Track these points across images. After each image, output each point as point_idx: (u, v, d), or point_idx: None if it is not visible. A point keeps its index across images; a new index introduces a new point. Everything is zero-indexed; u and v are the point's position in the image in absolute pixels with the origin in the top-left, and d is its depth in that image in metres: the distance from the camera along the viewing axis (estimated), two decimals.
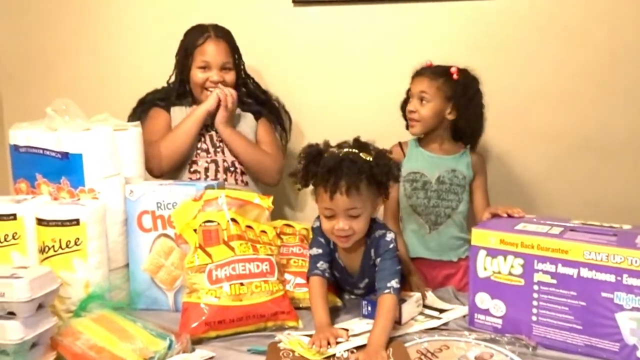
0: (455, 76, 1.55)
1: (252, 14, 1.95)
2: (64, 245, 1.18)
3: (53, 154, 1.30)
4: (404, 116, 1.63)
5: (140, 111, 1.74)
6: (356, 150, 1.22)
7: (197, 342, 1.14)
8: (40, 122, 1.37)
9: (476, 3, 1.86)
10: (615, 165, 1.87)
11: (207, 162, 1.68)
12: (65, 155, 1.29)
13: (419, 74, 1.59)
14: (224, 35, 1.73)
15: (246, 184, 1.72)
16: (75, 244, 1.19)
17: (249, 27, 1.81)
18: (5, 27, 2.09)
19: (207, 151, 1.69)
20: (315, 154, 1.23)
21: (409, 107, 1.57)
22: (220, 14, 1.82)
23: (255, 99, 1.85)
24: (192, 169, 1.68)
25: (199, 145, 1.69)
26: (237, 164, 1.72)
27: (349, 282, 1.37)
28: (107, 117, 1.42)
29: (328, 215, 1.22)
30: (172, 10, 1.99)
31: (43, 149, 1.31)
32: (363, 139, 1.26)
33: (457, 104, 1.54)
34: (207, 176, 1.67)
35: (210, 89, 1.69)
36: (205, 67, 1.68)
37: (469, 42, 1.86)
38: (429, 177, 1.58)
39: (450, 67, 1.56)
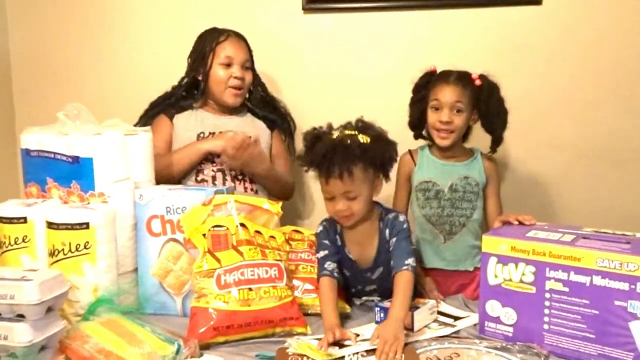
0: (478, 82, 1.52)
1: (262, 20, 1.97)
2: (73, 249, 1.19)
3: (64, 158, 1.31)
4: (418, 126, 1.60)
5: (148, 117, 1.74)
6: (355, 132, 1.25)
7: (205, 347, 1.13)
8: (52, 127, 1.37)
9: (490, 11, 1.86)
10: (627, 173, 1.85)
11: (213, 170, 1.64)
12: (76, 159, 1.30)
13: (443, 81, 1.52)
14: (242, 37, 1.75)
15: (256, 192, 1.70)
16: (85, 247, 1.19)
17: (258, 34, 1.82)
18: (18, 33, 2.11)
19: (212, 161, 1.65)
20: (313, 139, 1.28)
21: (442, 117, 1.50)
22: (230, 20, 1.83)
23: (270, 105, 1.84)
24: (198, 178, 1.64)
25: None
26: (247, 171, 1.70)
27: (360, 278, 1.36)
28: (118, 122, 1.42)
29: (328, 198, 1.27)
30: (183, 17, 2.01)
31: (54, 153, 1.32)
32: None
33: (481, 110, 1.52)
34: (214, 184, 1.64)
35: (233, 86, 1.68)
36: (228, 64, 1.68)
37: (482, 50, 1.86)
38: (441, 185, 1.55)
39: (466, 72, 1.53)
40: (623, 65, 1.81)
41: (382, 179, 1.32)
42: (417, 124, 1.61)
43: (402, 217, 1.33)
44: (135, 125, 1.67)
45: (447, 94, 1.50)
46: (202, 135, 1.67)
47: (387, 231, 1.32)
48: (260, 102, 1.82)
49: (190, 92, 1.75)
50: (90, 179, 1.30)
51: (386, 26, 1.93)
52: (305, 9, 1.95)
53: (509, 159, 1.89)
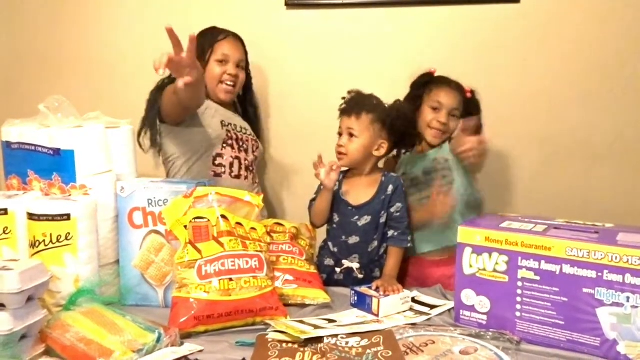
0: (469, 95, 1.61)
1: (245, 16, 1.98)
2: (54, 240, 1.19)
3: (45, 151, 1.31)
4: (412, 124, 1.62)
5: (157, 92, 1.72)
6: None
7: (186, 336, 1.15)
8: (33, 119, 1.38)
9: (469, 8, 1.90)
10: (602, 168, 1.90)
11: (232, 157, 1.73)
12: (57, 151, 1.30)
13: (446, 85, 1.62)
14: (240, 39, 1.82)
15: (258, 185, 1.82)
16: (66, 238, 1.20)
17: (241, 30, 1.83)
18: None
19: (232, 147, 1.74)
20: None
21: (440, 118, 1.59)
22: (213, 16, 1.85)
23: (250, 111, 1.92)
24: (216, 162, 1.71)
25: (225, 140, 1.73)
26: (254, 165, 1.81)
27: (347, 225, 1.50)
28: (99, 115, 1.43)
29: (339, 133, 1.52)
30: (166, 12, 2.01)
31: (35, 146, 1.32)
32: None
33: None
34: (231, 171, 1.72)
35: (226, 83, 1.74)
36: (223, 61, 1.74)
37: (461, 47, 1.90)
38: (415, 172, 1.63)
39: (459, 83, 1.63)
40: (599, 63, 1.86)
41: (387, 143, 1.51)
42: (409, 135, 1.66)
43: (401, 182, 1.53)
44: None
45: (449, 98, 1.60)
46: (224, 122, 1.74)
47: (390, 187, 1.50)
48: (246, 105, 1.91)
49: None
50: (71, 171, 1.31)
51: (368, 23, 1.96)
52: (288, 5, 1.97)
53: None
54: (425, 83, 1.66)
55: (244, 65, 1.82)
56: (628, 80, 1.84)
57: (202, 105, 1.65)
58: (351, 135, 1.49)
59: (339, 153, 1.51)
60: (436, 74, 1.69)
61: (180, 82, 1.30)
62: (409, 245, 1.51)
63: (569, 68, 1.88)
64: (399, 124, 1.50)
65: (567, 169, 1.93)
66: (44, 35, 2.09)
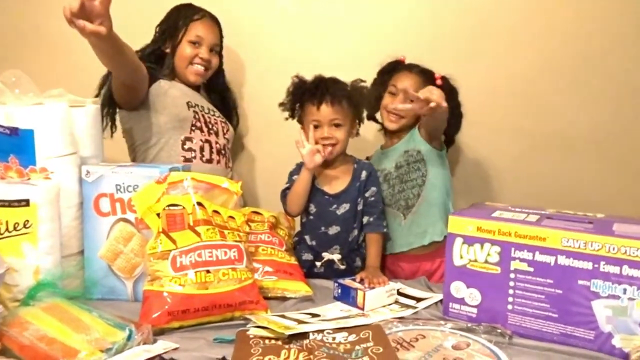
0: (439, 82, 1.55)
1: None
2: (11, 228, 1.08)
3: (1, 130, 1.19)
4: (372, 109, 1.60)
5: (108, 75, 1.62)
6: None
7: (159, 333, 1.06)
8: None
9: None
10: (580, 160, 1.89)
11: (201, 140, 1.63)
12: (15, 130, 1.18)
13: (407, 70, 1.58)
14: (216, 21, 1.71)
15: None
16: (25, 226, 1.09)
17: (217, 9, 1.73)
18: None
19: (201, 129, 1.64)
20: (300, 81, 1.47)
21: (396, 103, 1.52)
22: None
23: (221, 95, 1.82)
24: (186, 147, 1.61)
25: (193, 122, 1.62)
26: (227, 149, 1.71)
27: (326, 215, 1.45)
28: (61, 92, 1.31)
29: (315, 126, 1.42)
30: None
31: None
32: None
33: None
34: (202, 155, 1.62)
35: (197, 65, 1.64)
36: (196, 43, 1.64)
37: (440, 37, 1.85)
38: (387, 168, 1.57)
39: (430, 70, 1.58)
40: (578, 55, 1.84)
41: (358, 124, 1.49)
42: (372, 106, 1.61)
43: (374, 169, 1.51)
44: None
45: (405, 82, 1.55)
46: (190, 103, 1.63)
47: (363, 172, 1.47)
48: (215, 88, 1.80)
49: (156, 62, 1.66)
50: (30, 153, 1.20)
51: (347, 9, 1.89)
52: None
53: (464, 145, 1.89)
54: (391, 70, 1.62)
55: (218, 49, 1.72)
56: (611, 73, 1.83)
57: (142, 78, 1.52)
58: (337, 125, 1.42)
59: (329, 145, 1.42)
60: (407, 62, 1.64)
61: (89, 27, 1.16)
62: (385, 230, 1.47)
63: (547, 60, 1.84)
64: (365, 104, 1.49)
65: (545, 161, 1.90)
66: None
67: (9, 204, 1.08)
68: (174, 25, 1.65)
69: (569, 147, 1.89)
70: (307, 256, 1.47)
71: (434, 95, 1.27)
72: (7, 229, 1.08)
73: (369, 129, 1.73)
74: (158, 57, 1.66)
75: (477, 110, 1.81)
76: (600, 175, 1.87)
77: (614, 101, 1.85)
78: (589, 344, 1.04)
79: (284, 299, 1.28)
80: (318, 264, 1.45)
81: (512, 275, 1.11)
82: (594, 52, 1.82)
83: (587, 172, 1.89)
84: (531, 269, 1.09)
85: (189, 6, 1.69)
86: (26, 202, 1.09)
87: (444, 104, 1.29)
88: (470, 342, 1.05)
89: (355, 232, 1.45)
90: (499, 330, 1.09)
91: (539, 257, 1.08)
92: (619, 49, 1.78)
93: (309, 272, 1.43)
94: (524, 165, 1.91)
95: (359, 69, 1.56)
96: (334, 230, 1.44)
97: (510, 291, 1.11)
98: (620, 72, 1.79)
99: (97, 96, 1.60)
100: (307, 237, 1.48)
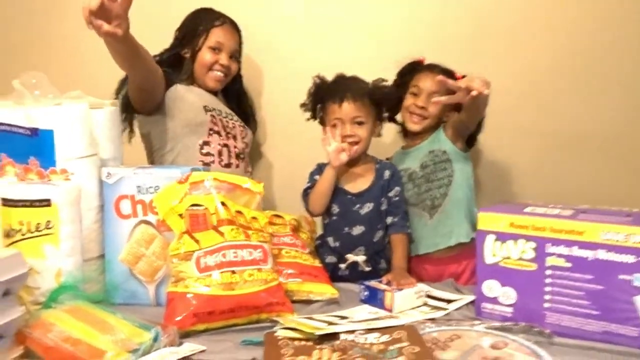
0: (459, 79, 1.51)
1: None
2: (33, 229, 1.06)
3: (21, 131, 1.18)
4: (393, 109, 1.57)
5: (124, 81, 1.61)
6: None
7: (184, 336, 1.02)
8: (7, 97, 1.23)
9: None
10: (597, 160, 1.85)
11: (219, 145, 1.60)
12: (35, 131, 1.17)
13: (428, 70, 1.55)
14: (236, 27, 1.70)
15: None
16: (46, 227, 1.07)
17: (235, 14, 1.72)
18: None
19: (219, 134, 1.62)
20: (322, 80, 1.46)
21: (419, 102, 1.52)
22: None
23: (239, 100, 1.80)
24: (204, 151, 1.58)
25: (210, 126, 1.60)
26: (246, 153, 1.69)
27: (349, 214, 1.42)
28: (80, 94, 1.29)
29: (335, 124, 1.41)
30: None
31: (9, 125, 1.18)
32: None
33: (458, 109, 1.49)
34: (220, 159, 1.60)
35: (217, 72, 1.63)
36: (217, 49, 1.63)
37: (453, 37, 1.83)
38: (412, 168, 1.54)
39: (451, 70, 1.55)
40: (593, 55, 1.81)
41: (381, 124, 1.48)
42: (393, 106, 1.58)
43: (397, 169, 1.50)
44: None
45: (428, 82, 1.53)
46: (207, 107, 1.61)
47: (386, 172, 1.46)
48: (232, 93, 1.78)
49: (174, 67, 1.64)
50: (50, 154, 1.18)
51: (358, 13, 1.88)
52: None
53: (483, 146, 1.86)
54: (411, 70, 1.60)
55: (238, 55, 1.71)
56: (618, 74, 1.81)
57: (158, 81, 1.51)
58: (359, 123, 1.41)
59: (352, 143, 1.40)
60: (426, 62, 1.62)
61: (106, 27, 1.15)
62: (409, 230, 1.45)
63: (562, 60, 1.82)
64: (386, 102, 1.48)
65: (563, 162, 1.86)
66: (22, 9, 1.92)
67: (31, 203, 1.06)
68: (193, 30, 1.63)
69: (587, 149, 1.85)
70: (331, 259, 1.43)
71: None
72: (28, 230, 1.05)
73: (385, 131, 1.70)
74: (176, 62, 1.64)
75: (497, 113, 1.78)
76: (608, 175, 1.83)
77: (630, 98, 1.82)
78: (633, 342, 0.98)
79: (309, 302, 1.24)
80: (342, 266, 1.41)
81: (548, 272, 1.07)
82: (605, 55, 1.80)
83: (605, 173, 1.85)
84: (569, 265, 1.04)
85: (209, 11, 1.67)
86: (47, 202, 1.07)
87: (486, 91, 1.27)
88: (508, 341, 1.00)
89: (380, 232, 1.42)
90: (536, 329, 1.04)
91: (577, 252, 1.04)
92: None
93: (332, 276, 1.39)
94: (543, 167, 1.87)
95: (372, 72, 1.54)
96: (358, 230, 1.41)
97: (547, 288, 1.07)
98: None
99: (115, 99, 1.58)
100: (330, 239, 1.44)
